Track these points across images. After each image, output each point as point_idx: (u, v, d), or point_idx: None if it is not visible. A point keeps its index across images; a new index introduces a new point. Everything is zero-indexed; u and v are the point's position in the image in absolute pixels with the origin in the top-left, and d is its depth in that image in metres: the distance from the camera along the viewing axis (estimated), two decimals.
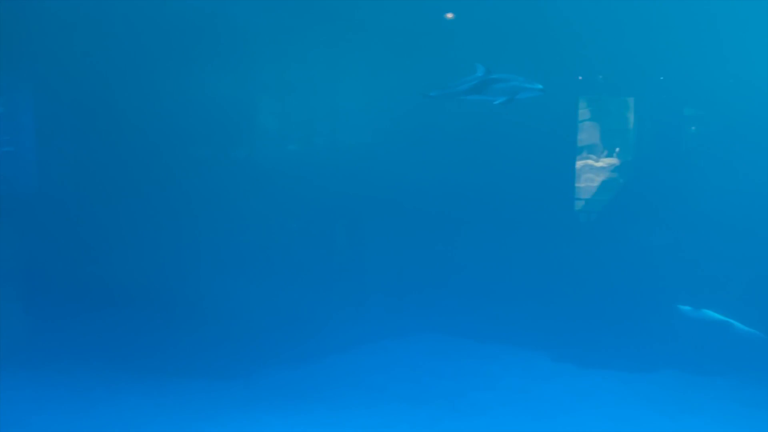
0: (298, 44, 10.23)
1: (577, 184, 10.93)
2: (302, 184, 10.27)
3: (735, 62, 9.60)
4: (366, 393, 8.29)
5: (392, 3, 10.02)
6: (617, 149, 11.15)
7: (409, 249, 10.58)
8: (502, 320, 9.93)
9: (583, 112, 10.97)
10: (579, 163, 10.93)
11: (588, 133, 11.03)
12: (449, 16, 10.57)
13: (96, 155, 10.14)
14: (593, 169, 11.02)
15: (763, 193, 9.52)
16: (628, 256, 10.20)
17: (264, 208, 10.25)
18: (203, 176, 10.23)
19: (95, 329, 9.27)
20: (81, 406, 7.74)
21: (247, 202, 10.19)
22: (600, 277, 10.05)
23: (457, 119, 10.19)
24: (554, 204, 10.72)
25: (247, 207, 10.21)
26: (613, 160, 11.12)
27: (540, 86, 8.45)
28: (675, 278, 10.06)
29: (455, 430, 7.43)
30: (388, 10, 9.99)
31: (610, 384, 8.60)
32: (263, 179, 10.29)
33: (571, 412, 7.82)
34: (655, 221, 10.29)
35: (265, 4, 10.03)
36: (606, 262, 10.21)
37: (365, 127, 10.75)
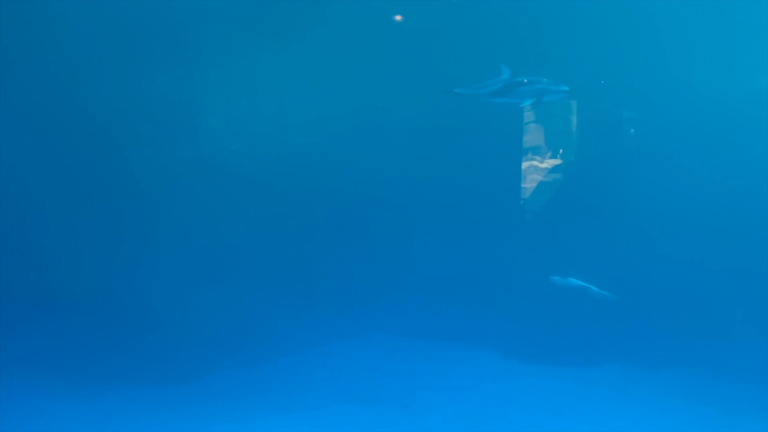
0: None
1: (521, 185, 11.07)
2: (248, 185, 10.14)
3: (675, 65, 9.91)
4: (314, 394, 8.23)
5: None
6: (561, 150, 11.39)
7: (356, 250, 10.52)
8: (449, 319, 10.04)
9: (528, 115, 11.17)
10: (524, 165, 11.11)
11: (532, 135, 11.23)
12: (398, 18, 10.66)
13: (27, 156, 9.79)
14: (538, 170, 11.21)
15: (701, 192, 9.87)
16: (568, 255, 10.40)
17: (208, 210, 10.08)
18: (143, 178, 9.95)
19: (31, 337, 8.98)
20: (18, 415, 7.46)
21: (189, 205, 9.95)
22: (542, 274, 10.14)
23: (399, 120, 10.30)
24: (495, 204, 10.75)
25: (191, 209, 9.99)
26: (557, 161, 11.35)
27: (566, 88, 8.46)
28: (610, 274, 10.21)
29: (404, 430, 7.45)
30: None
31: (556, 379, 8.75)
32: (209, 180, 10.10)
33: (520, 409, 7.93)
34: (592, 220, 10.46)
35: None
36: (547, 260, 10.38)
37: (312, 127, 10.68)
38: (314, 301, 10.18)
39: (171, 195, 9.91)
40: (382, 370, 8.99)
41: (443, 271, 10.41)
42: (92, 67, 9.53)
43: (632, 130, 11.30)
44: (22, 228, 9.70)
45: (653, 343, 9.50)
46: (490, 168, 10.59)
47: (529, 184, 11.07)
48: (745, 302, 9.44)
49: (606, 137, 11.04)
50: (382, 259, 10.54)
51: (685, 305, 9.68)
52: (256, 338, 9.47)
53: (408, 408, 7.88)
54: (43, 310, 9.17)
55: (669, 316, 9.70)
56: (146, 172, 9.99)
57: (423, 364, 9.17)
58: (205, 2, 9.80)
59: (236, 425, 7.40)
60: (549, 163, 11.26)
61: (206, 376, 8.58)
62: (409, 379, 8.68)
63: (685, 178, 9.98)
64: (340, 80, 10.23)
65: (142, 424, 7.39)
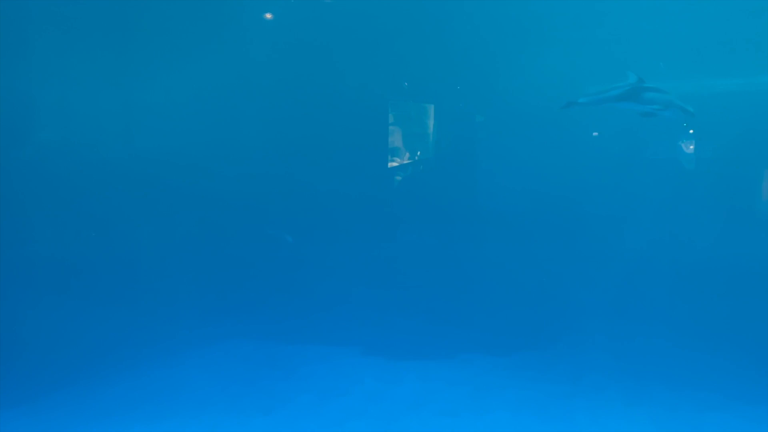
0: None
1: (393, 184, 11.57)
2: (101, 188, 9.75)
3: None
4: (185, 402, 8.18)
5: None
6: (419, 152, 12.00)
7: (223, 253, 10.50)
8: (315, 321, 10.31)
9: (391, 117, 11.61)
10: (391, 164, 11.54)
11: (394, 136, 11.72)
12: (268, 16, 10.58)
13: None
14: (399, 169, 11.78)
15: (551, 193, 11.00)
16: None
17: (70, 214, 9.59)
18: None
19: None
20: None
21: (51, 207, 9.41)
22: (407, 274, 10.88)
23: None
24: (358, 204, 11.12)
25: (53, 212, 9.42)
26: (415, 161, 11.96)
27: (691, 109, 8.53)
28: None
29: None
30: None
31: (423, 376, 9.16)
32: (69, 182, 9.60)
33: (387, 407, 8.20)
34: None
35: None
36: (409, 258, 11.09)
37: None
38: (179, 307, 9.98)
39: (23, 200, 9.22)
40: (241, 376, 9.03)
41: (310, 273, 10.62)
42: None
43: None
44: None
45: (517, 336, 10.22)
46: (355, 169, 10.96)
47: (396, 184, 11.58)
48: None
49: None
50: (250, 261, 10.57)
51: (553, 299, 10.69)
52: (121, 347, 9.21)
53: (272, 413, 8.00)
54: None
55: (538, 309, 10.60)
56: None
57: (291, 368, 9.31)
58: None
59: None
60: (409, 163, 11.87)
61: (51, 399, 8.14)
62: (276, 384, 8.80)
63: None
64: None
65: None
